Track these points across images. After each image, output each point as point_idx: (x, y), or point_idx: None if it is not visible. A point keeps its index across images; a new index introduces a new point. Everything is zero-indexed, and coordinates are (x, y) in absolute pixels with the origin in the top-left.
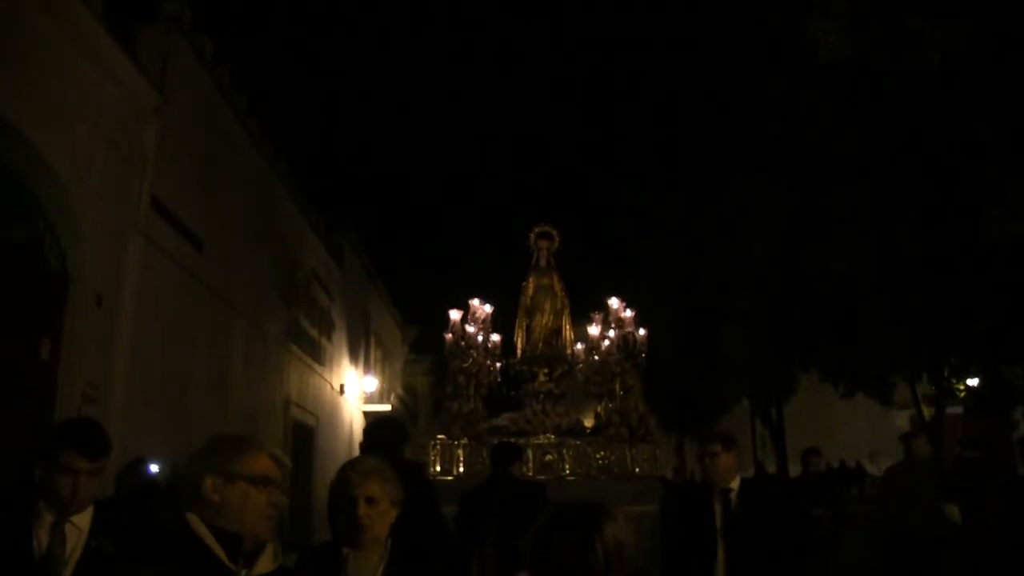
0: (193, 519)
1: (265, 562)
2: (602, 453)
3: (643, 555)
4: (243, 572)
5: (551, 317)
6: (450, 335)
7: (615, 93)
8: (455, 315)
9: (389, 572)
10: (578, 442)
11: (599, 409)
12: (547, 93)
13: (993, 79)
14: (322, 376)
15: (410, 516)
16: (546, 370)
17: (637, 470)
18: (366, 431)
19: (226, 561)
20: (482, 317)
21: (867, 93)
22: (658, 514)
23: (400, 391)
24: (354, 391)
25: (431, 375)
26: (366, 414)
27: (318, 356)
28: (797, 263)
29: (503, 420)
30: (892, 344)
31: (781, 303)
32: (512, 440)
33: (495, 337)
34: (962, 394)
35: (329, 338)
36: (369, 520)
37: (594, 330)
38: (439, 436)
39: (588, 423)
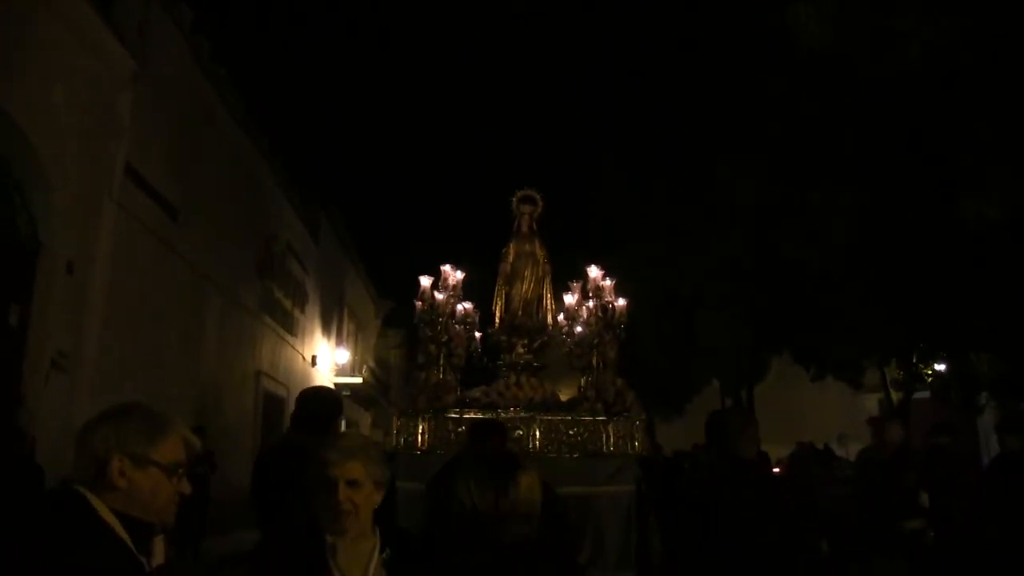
0: (94, 500)
1: (159, 553)
2: (575, 429)
3: (617, 536)
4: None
5: (531, 285)
6: (420, 303)
7: (602, 78)
8: (425, 282)
9: (391, 562)
10: (549, 417)
11: (583, 383)
12: (540, 80)
13: (982, 74)
14: (294, 348)
15: None
16: (525, 341)
17: (612, 448)
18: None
19: (135, 551)
20: (453, 283)
21: (851, 85)
22: (634, 495)
23: (372, 364)
24: (326, 363)
25: (403, 348)
26: (337, 386)
27: (291, 328)
28: (775, 252)
29: (476, 392)
30: (867, 329)
31: (759, 289)
32: (483, 414)
33: (467, 304)
34: (929, 379)
35: (303, 310)
36: (351, 505)
37: (570, 299)
38: (409, 409)
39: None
